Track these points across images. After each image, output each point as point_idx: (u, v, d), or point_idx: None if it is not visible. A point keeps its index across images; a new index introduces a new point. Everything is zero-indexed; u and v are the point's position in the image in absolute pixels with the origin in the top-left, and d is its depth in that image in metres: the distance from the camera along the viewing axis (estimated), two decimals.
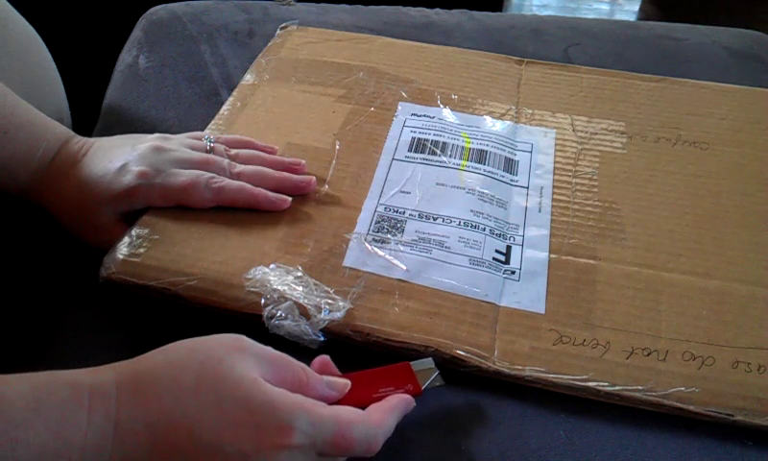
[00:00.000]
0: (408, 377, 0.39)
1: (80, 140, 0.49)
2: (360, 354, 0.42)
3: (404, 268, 0.45)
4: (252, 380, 0.33)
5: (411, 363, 0.40)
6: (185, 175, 0.47)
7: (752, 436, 0.40)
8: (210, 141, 0.50)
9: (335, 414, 0.34)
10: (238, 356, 0.33)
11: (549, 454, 0.39)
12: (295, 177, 0.50)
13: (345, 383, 0.37)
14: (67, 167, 0.47)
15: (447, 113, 0.58)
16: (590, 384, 0.40)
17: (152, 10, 0.73)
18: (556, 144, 0.56)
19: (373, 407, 0.37)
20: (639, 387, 0.40)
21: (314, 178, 0.50)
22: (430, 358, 0.41)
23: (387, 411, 0.36)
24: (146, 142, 0.47)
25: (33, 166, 0.47)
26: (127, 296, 0.45)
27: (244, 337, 0.35)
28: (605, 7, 1.91)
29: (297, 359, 0.36)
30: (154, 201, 0.47)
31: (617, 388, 0.40)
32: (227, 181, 0.47)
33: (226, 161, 0.49)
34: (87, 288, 0.46)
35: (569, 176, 0.53)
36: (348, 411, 0.35)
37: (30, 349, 0.43)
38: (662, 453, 0.39)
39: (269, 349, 0.35)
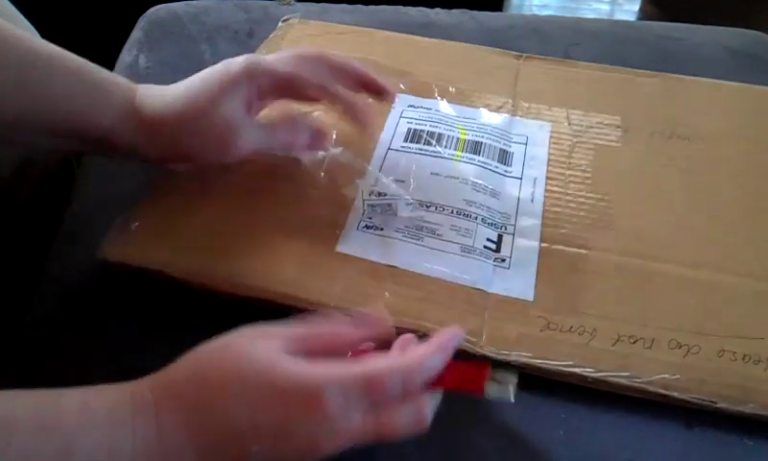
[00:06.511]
0: (479, 374, 0.37)
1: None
2: None
3: (396, 254, 0.46)
4: (269, 359, 0.33)
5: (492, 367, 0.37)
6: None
7: (752, 436, 0.40)
8: None
9: (360, 368, 0.33)
10: (257, 341, 0.34)
11: (549, 454, 0.39)
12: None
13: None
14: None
15: (444, 105, 0.59)
16: (576, 370, 0.41)
17: (152, 10, 0.73)
18: (551, 137, 0.56)
19: (411, 349, 0.36)
20: (624, 373, 0.40)
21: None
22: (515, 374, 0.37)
23: (421, 349, 0.35)
24: None
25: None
26: (134, 281, 0.45)
27: (262, 326, 0.35)
28: (605, 7, 1.91)
29: None
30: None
31: (602, 374, 0.40)
32: None
33: None
34: (93, 276, 0.46)
35: (563, 168, 0.54)
36: (375, 361, 0.34)
37: (41, 341, 0.44)
38: (663, 454, 0.39)
39: (290, 326, 0.36)
